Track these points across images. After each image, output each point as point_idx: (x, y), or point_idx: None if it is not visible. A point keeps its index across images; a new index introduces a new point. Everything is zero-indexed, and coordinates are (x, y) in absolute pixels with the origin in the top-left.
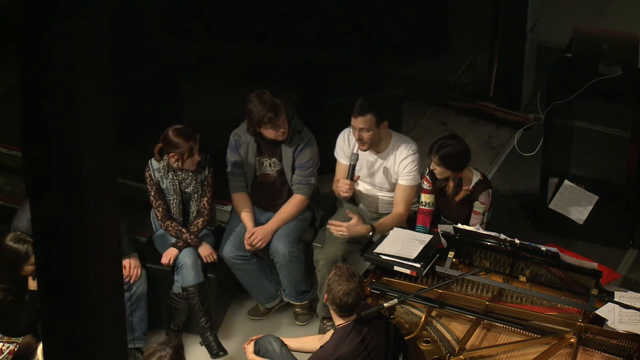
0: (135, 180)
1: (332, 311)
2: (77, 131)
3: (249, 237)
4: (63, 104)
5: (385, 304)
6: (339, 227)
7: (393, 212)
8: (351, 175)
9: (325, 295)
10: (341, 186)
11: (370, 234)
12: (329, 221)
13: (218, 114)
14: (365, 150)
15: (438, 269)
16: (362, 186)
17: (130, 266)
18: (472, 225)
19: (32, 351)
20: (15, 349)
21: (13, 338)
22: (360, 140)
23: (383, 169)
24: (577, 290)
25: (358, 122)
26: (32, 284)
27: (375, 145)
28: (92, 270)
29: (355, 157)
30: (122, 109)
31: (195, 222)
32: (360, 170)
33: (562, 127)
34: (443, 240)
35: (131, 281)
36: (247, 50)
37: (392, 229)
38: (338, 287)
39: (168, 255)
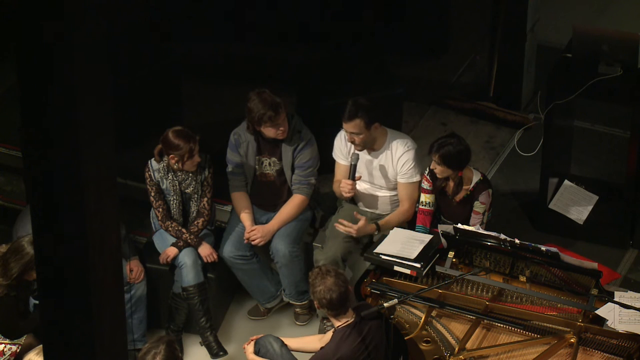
0: (135, 180)
1: (328, 315)
2: (77, 131)
3: (249, 233)
4: (63, 103)
5: (385, 304)
6: (348, 228)
7: (398, 210)
8: (352, 175)
9: (315, 303)
10: (343, 187)
11: (376, 233)
12: (339, 220)
13: (218, 114)
14: (360, 151)
15: (438, 269)
16: (361, 185)
17: (135, 269)
18: (472, 225)
19: None
20: (18, 350)
21: (15, 339)
22: (352, 142)
23: (380, 168)
24: (577, 290)
25: (348, 126)
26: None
27: (370, 145)
28: (92, 271)
29: (355, 157)
30: (122, 109)
31: (195, 222)
32: (359, 170)
33: (562, 127)
34: (443, 240)
35: (136, 282)
36: (247, 50)
37: (397, 224)
38: (318, 289)
39: (166, 254)
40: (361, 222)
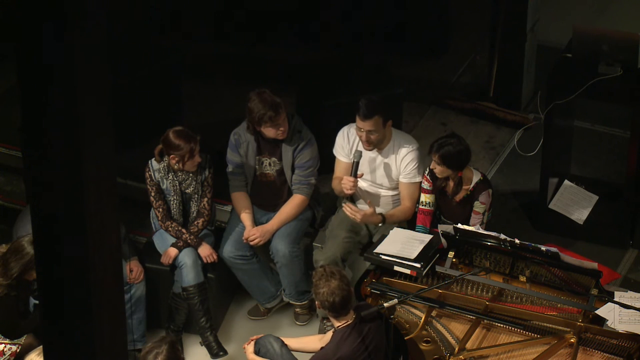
0: (135, 180)
1: (329, 316)
2: (77, 131)
3: (248, 233)
4: (63, 103)
5: (385, 304)
6: (354, 212)
7: (401, 206)
8: (354, 173)
9: (317, 303)
10: (345, 183)
11: (380, 225)
12: (347, 203)
13: (218, 114)
14: (371, 150)
15: (438, 269)
16: (361, 183)
17: (134, 269)
18: (472, 225)
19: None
20: (18, 350)
21: (15, 339)
22: (367, 141)
23: (384, 166)
24: (577, 290)
25: (366, 125)
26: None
27: (381, 143)
28: (92, 271)
29: (358, 155)
30: (122, 109)
31: (195, 222)
32: (361, 168)
33: (562, 127)
34: (443, 240)
35: (136, 282)
36: (247, 50)
37: (400, 221)
38: (322, 290)
39: (167, 255)
40: (369, 210)
